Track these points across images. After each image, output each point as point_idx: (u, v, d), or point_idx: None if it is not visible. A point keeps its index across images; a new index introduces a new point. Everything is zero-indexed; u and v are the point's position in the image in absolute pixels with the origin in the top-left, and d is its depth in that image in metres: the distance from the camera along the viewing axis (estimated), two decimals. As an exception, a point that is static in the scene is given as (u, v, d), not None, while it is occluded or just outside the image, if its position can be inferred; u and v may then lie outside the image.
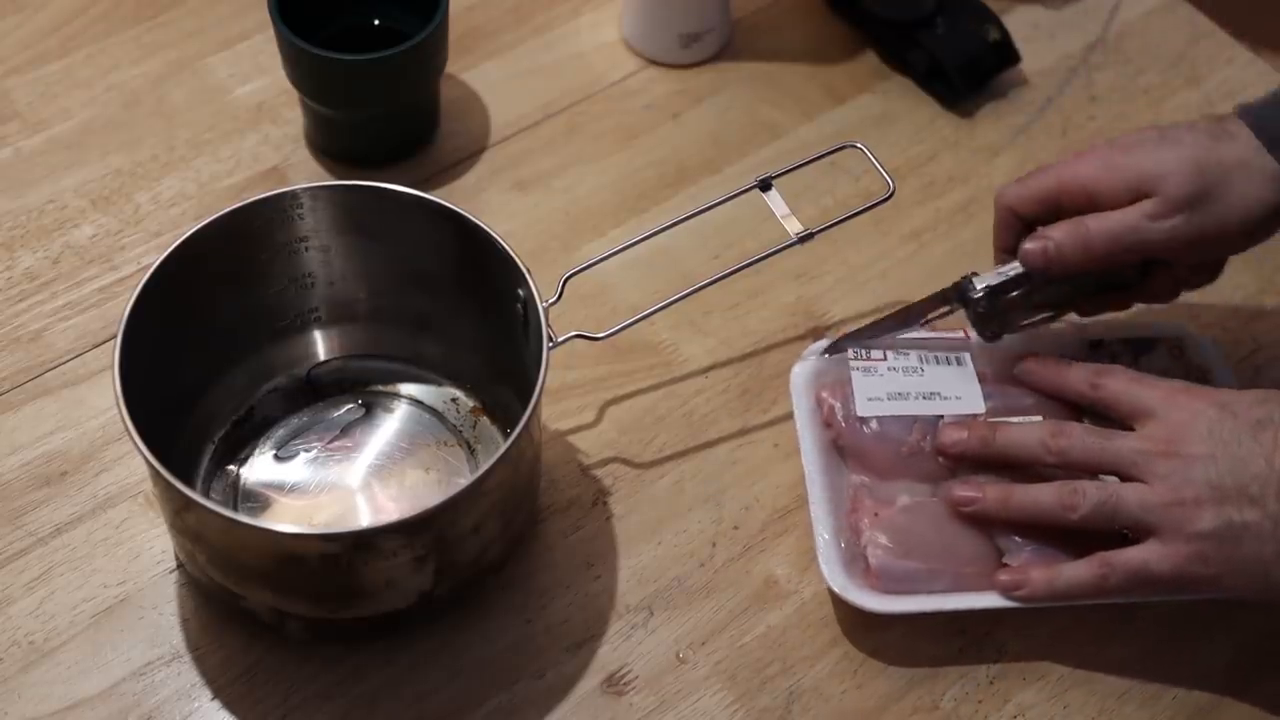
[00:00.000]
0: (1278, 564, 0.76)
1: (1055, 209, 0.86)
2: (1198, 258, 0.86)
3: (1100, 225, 0.84)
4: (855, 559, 0.84)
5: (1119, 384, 0.84)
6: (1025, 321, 0.90)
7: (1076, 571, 0.81)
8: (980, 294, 0.88)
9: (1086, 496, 0.80)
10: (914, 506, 0.85)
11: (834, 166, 1.03)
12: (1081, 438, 0.82)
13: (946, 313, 0.91)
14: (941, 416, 0.87)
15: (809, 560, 0.88)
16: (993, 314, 0.88)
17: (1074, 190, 0.85)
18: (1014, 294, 0.88)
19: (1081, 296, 0.90)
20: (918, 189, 1.05)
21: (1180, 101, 1.10)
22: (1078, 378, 0.86)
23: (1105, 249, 0.84)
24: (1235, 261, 0.99)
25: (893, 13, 1.09)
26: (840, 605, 0.86)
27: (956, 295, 0.89)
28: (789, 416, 0.93)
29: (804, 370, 0.91)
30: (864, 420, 0.87)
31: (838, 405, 0.88)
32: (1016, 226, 0.88)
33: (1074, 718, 0.83)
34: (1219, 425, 0.78)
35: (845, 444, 0.87)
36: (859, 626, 0.86)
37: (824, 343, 0.92)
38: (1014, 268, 0.87)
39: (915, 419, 0.87)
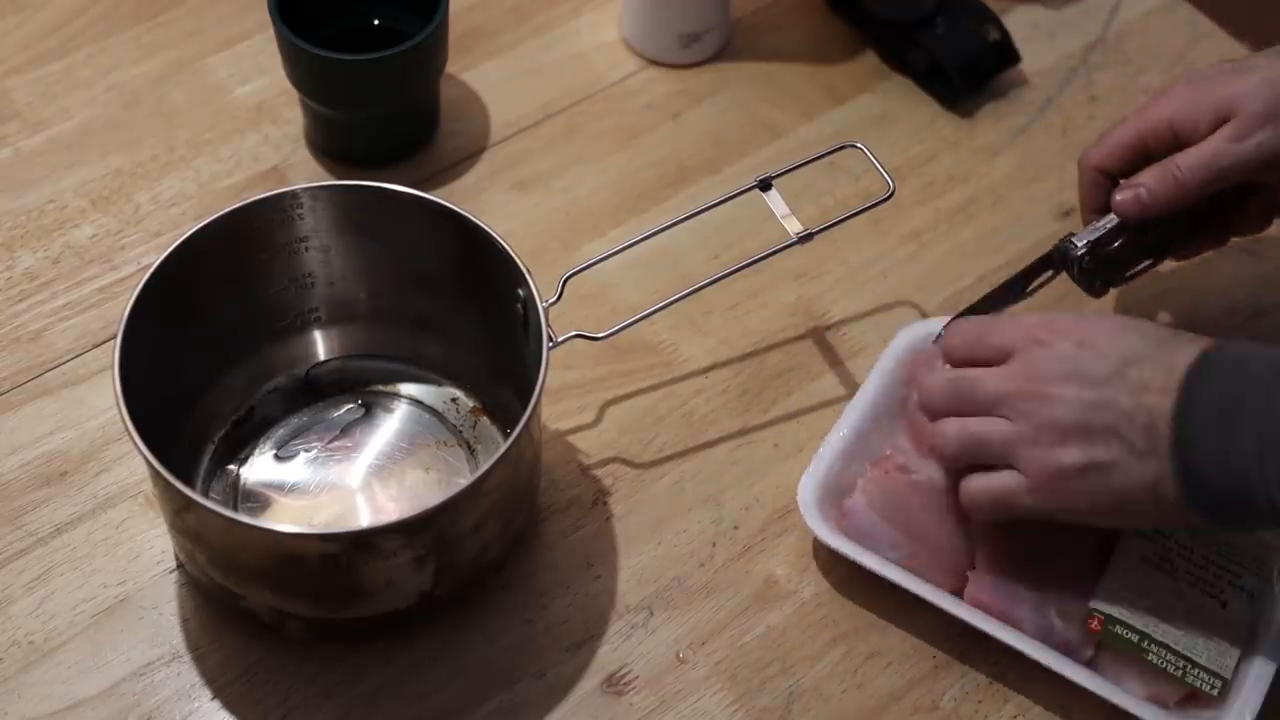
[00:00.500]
0: (1138, 496, 0.76)
1: (1143, 155, 0.87)
2: None
3: (1188, 160, 0.85)
4: (838, 497, 0.85)
5: (970, 329, 0.84)
6: (1130, 272, 0.91)
7: (967, 491, 0.82)
8: (1083, 250, 0.88)
9: (947, 436, 0.81)
10: (921, 485, 0.85)
11: (834, 166, 1.03)
12: (945, 387, 0.82)
13: (1051, 277, 0.91)
14: None
15: (809, 560, 0.88)
16: (1096, 269, 0.89)
17: (1159, 130, 0.86)
18: (1113, 246, 0.88)
19: (1179, 238, 0.90)
20: (918, 189, 1.05)
21: (1180, 101, 1.10)
22: (949, 345, 0.86)
23: (1197, 182, 0.85)
24: (1235, 261, 1.00)
25: (893, 13, 1.09)
26: (840, 605, 0.86)
27: (1059, 257, 0.90)
28: (789, 416, 0.93)
29: (907, 335, 0.91)
30: None
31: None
32: (1105, 185, 0.89)
33: (1074, 718, 0.83)
34: (1080, 364, 0.78)
35: (912, 411, 0.88)
36: (859, 626, 0.86)
37: (935, 324, 0.91)
38: (1109, 220, 0.88)
39: None
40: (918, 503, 0.85)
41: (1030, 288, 0.91)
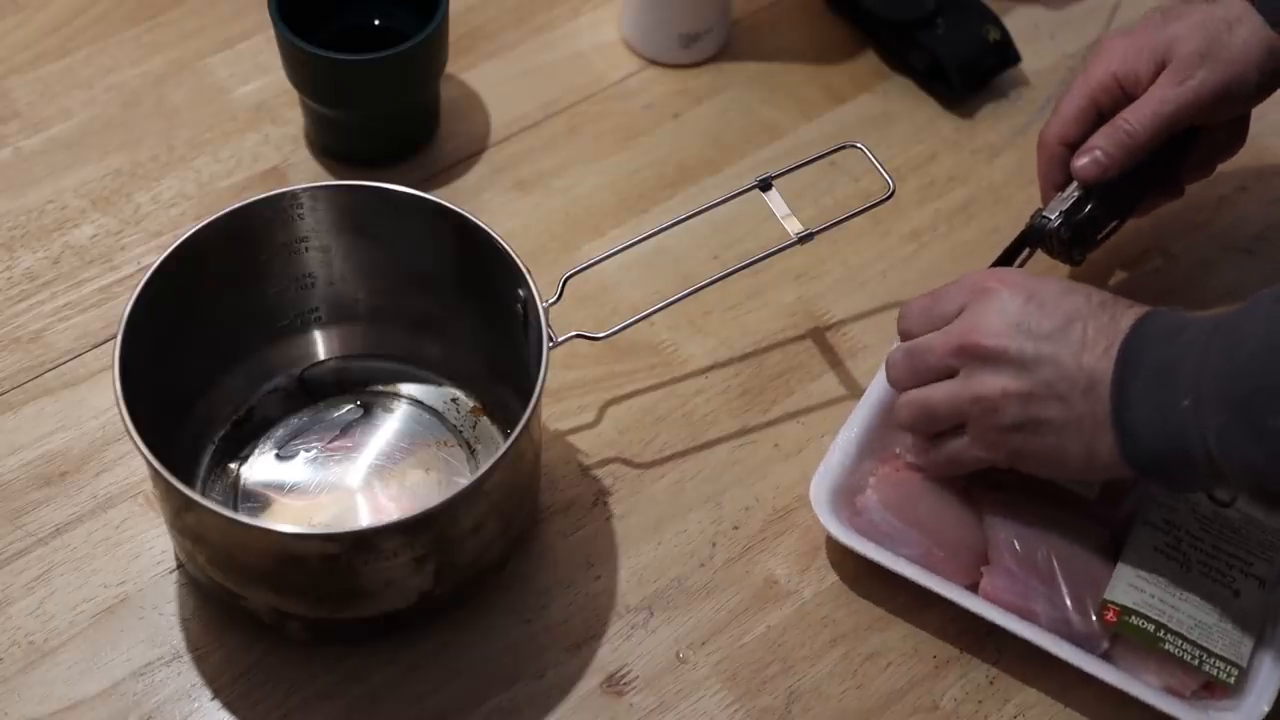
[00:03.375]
0: (1078, 455, 0.78)
1: (1096, 116, 0.90)
2: (1226, 113, 0.89)
3: (1134, 114, 0.88)
4: (849, 495, 0.86)
5: (921, 302, 0.85)
6: (1101, 234, 0.92)
7: (924, 459, 0.85)
8: (1058, 222, 0.89)
9: (898, 406, 0.84)
10: (931, 481, 0.86)
11: (834, 166, 1.03)
12: (901, 360, 0.84)
13: (1029, 255, 0.92)
14: None
15: (809, 560, 0.88)
16: (1073, 239, 0.90)
17: (1106, 87, 0.89)
18: (1084, 212, 0.90)
19: (1140, 192, 0.92)
20: (918, 189, 1.05)
21: (1180, 101, 1.10)
22: (903, 326, 0.87)
23: (1148, 132, 0.88)
24: (1235, 261, 1.00)
25: (893, 13, 1.09)
26: (840, 605, 0.86)
27: (1034, 234, 0.91)
28: (789, 416, 0.93)
29: None
30: None
31: None
32: (1067, 157, 0.91)
33: (1074, 718, 0.83)
34: (1026, 318, 0.79)
35: None
36: (859, 626, 0.86)
37: None
38: (1074, 189, 0.90)
39: None
40: (929, 499, 0.86)
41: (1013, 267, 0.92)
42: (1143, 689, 0.80)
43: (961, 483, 0.86)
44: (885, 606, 0.87)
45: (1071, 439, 0.78)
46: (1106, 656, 0.83)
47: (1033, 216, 0.91)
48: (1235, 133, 0.93)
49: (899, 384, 0.85)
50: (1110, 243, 0.94)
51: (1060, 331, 0.78)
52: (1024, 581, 0.83)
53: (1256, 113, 0.92)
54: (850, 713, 0.83)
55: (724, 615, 0.86)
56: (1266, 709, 0.79)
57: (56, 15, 1.11)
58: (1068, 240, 0.90)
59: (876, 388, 0.89)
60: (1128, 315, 0.78)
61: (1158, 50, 0.88)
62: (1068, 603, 0.83)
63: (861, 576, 0.87)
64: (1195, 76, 0.87)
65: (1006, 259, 0.92)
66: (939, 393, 0.82)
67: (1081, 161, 0.89)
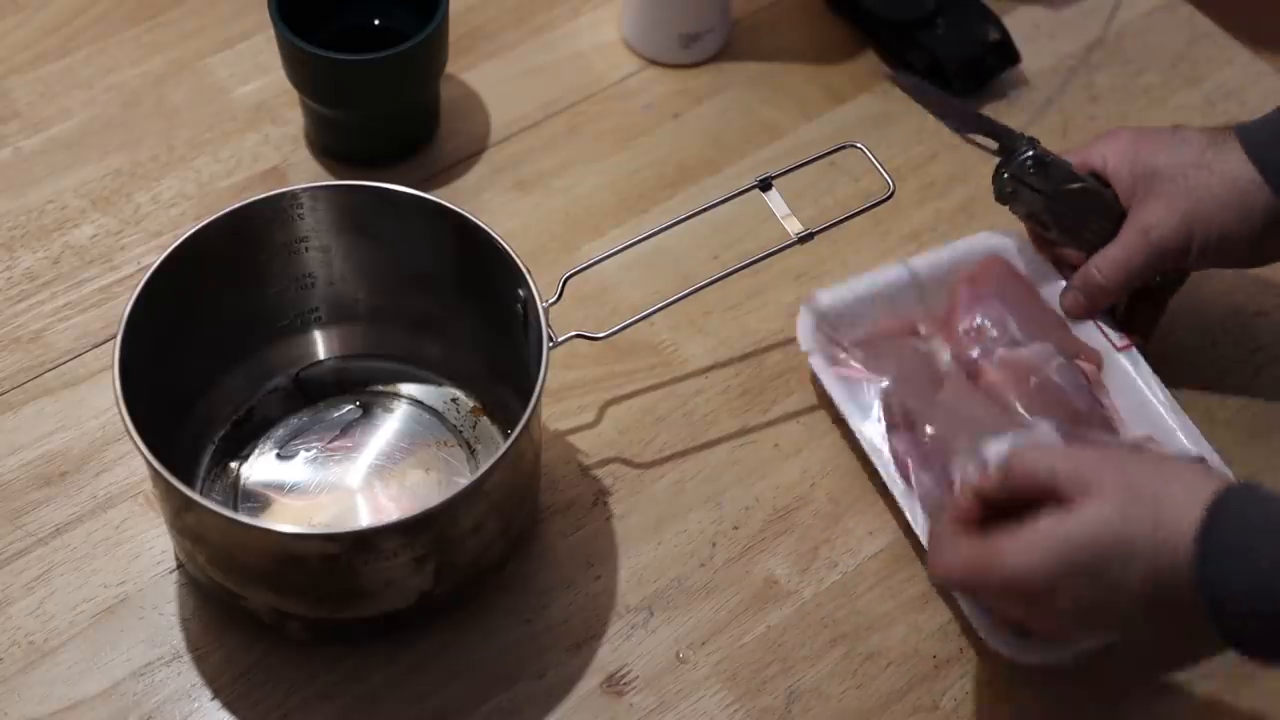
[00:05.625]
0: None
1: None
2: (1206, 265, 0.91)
3: (1104, 261, 0.90)
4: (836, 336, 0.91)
5: (974, 567, 0.75)
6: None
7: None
8: (1029, 157, 0.91)
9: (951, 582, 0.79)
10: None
11: (834, 166, 1.03)
12: (962, 574, 0.75)
13: (990, 150, 0.93)
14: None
15: (809, 560, 0.88)
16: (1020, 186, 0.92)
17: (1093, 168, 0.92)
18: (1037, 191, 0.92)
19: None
20: (918, 189, 1.05)
21: (1180, 101, 1.10)
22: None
23: (1116, 286, 0.90)
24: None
25: (893, 13, 1.09)
26: (840, 605, 0.86)
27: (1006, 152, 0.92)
28: (789, 416, 0.93)
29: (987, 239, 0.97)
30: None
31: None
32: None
33: (1074, 718, 0.83)
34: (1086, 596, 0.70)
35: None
36: (859, 626, 0.86)
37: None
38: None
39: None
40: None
41: (969, 132, 0.93)
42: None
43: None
44: (885, 606, 0.87)
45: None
46: None
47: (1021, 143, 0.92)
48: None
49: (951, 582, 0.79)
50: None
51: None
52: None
53: None
54: (850, 713, 0.83)
55: (724, 615, 0.86)
56: None
57: (56, 15, 1.11)
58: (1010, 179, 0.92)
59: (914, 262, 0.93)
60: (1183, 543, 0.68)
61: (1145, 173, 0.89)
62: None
63: (862, 576, 0.87)
64: (1170, 262, 0.88)
65: (986, 125, 0.93)
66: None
67: (1068, 303, 0.93)
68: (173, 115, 1.06)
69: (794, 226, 0.89)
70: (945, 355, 0.92)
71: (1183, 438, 0.87)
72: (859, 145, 0.92)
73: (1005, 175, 0.92)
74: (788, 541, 0.89)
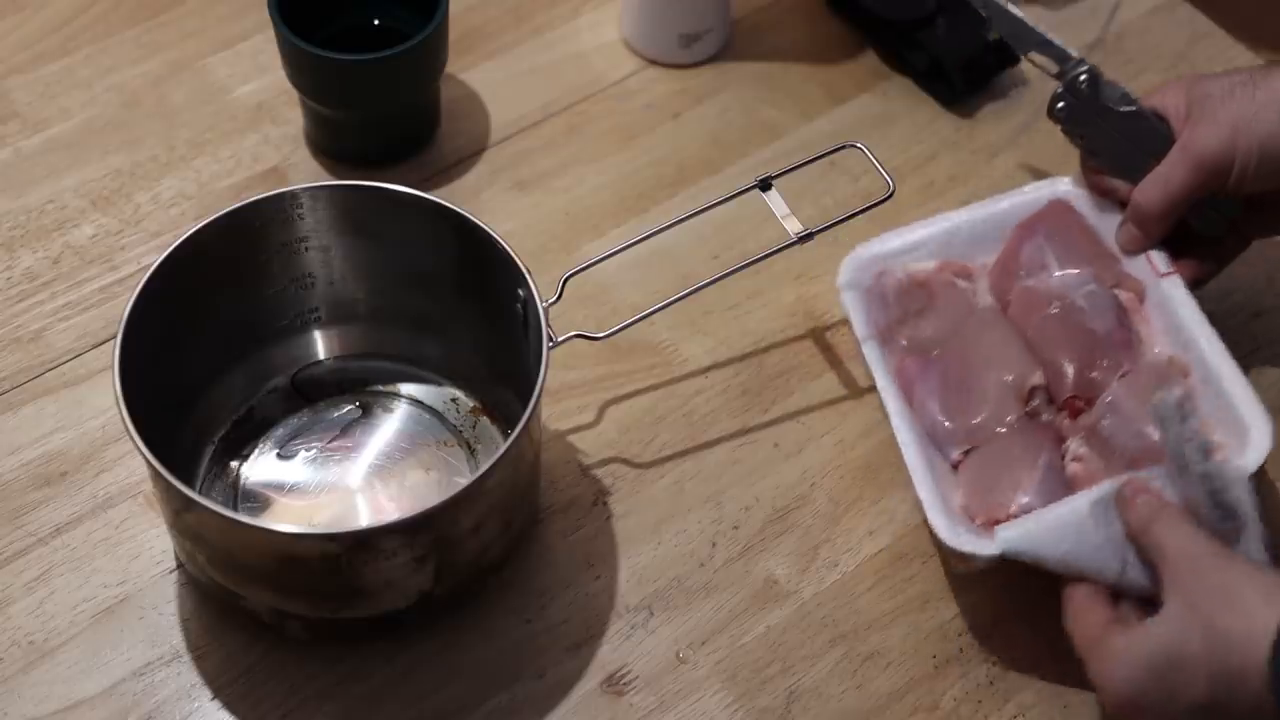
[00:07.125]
0: None
1: None
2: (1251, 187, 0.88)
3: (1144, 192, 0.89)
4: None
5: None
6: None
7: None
8: (1085, 72, 0.93)
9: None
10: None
11: (834, 166, 1.03)
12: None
13: (1050, 73, 0.96)
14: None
15: (809, 560, 0.88)
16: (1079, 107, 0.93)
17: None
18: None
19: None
20: (918, 189, 1.05)
21: (1180, 101, 1.10)
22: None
23: (1161, 205, 0.89)
24: (1235, 261, 0.99)
25: (893, 13, 1.09)
26: (840, 605, 0.86)
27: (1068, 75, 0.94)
28: (789, 416, 0.93)
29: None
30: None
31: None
32: None
33: (1074, 718, 0.83)
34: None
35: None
36: (859, 626, 0.86)
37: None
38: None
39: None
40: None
41: (1029, 49, 0.97)
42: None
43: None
44: (885, 606, 0.87)
45: None
46: None
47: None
48: None
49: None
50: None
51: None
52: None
53: None
54: (850, 713, 0.83)
55: (724, 615, 0.86)
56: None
57: (56, 15, 1.11)
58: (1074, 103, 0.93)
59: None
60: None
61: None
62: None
63: (862, 576, 0.87)
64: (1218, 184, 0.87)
65: (1049, 49, 0.95)
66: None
67: (1122, 238, 0.92)
68: (173, 115, 1.06)
69: (794, 226, 0.89)
70: (986, 294, 0.94)
71: (1209, 359, 0.87)
72: (859, 145, 0.92)
73: (1060, 90, 0.93)
74: (788, 541, 0.89)
